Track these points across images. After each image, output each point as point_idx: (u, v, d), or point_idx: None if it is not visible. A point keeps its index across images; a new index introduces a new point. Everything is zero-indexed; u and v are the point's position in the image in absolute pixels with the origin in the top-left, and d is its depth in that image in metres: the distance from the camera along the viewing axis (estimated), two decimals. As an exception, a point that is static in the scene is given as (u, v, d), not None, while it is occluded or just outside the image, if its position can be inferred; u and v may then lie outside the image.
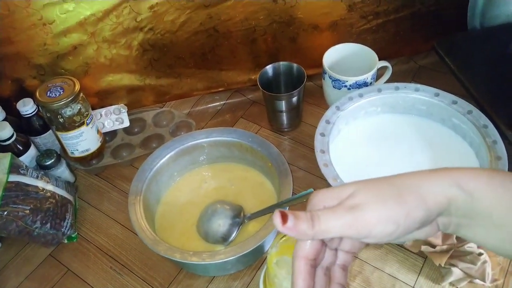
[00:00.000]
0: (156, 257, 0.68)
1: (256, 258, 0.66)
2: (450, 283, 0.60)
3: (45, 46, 0.75)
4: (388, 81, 0.79)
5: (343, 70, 0.76)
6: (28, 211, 0.65)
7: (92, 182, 0.80)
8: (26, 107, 0.74)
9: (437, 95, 0.70)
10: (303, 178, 0.75)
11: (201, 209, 0.68)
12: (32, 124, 0.77)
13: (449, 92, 0.70)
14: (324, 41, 0.84)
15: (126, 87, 0.85)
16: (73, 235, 0.71)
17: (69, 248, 0.71)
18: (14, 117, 0.78)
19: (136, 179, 0.68)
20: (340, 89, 0.76)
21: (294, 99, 0.77)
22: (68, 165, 0.79)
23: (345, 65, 0.79)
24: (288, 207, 0.61)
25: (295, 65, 0.80)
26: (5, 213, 0.63)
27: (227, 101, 0.91)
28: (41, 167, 0.74)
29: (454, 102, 0.68)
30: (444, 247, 0.59)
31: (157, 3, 0.74)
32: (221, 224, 0.65)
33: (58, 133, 0.73)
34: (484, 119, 0.65)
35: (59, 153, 0.77)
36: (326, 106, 0.76)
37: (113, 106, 0.85)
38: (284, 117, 0.81)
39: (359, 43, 0.79)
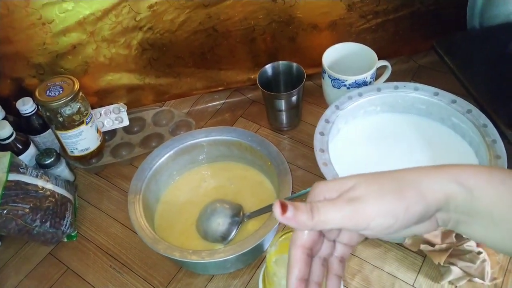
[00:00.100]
0: (155, 256, 0.68)
1: (255, 257, 0.66)
2: (449, 282, 0.60)
3: (44, 46, 0.75)
4: (388, 80, 0.79)
5: (342, 69, 0.76)
6: (27, 210, 0.65)
7: (92, 181, 0.80)
8: (26, 106, 0.74)
9: (436, 94, 0.70)
10: (303, 177, 0.75)
11: (201, 208, 0.68)
12: (31, 123, 0.77)
13: (449, 91, 0.70)
14: (323, 40, 0.84)
15: (125, 86, 0.85)
16: (72, 234, 0.72)
17: (68, 247, 0.71)
18: (13, 116, 0.78)
19: (136, 178, 0.68)
20: (339, 88, 0.76)
21: (294, 98, 0.77)
22: (68, 164, 0.79)
23: (344, 65, 0.79)
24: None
25: (294, 64, 0.80)
26: (5, 211, 0.63)
27: (227, 100, 0.91)
28: (41, 166, 0.74)
29: (454, 101, 0.68)
30: (443, 245, 0.59)
31: (156, 2, 0.74)
32: (220, 223, 0.65)
33: (58, 132, 0.73)
34: (483, 118, 0.65)
35: (58, 152, 0.77)
36: (325, 105, 0.76)
37: (113, 105, 0.85)
38: (284, 116, 0.81)
39: (359, 42, 0.79)
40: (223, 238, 0.65)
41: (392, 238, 0.65)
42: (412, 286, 0.61)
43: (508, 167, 0.60)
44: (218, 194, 0.72)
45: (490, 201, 0.31)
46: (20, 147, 0.74)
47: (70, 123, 0.71)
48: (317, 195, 0.33)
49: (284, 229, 0.67)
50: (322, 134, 0.66)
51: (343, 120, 0.71)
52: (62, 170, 0.76)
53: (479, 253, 0.58)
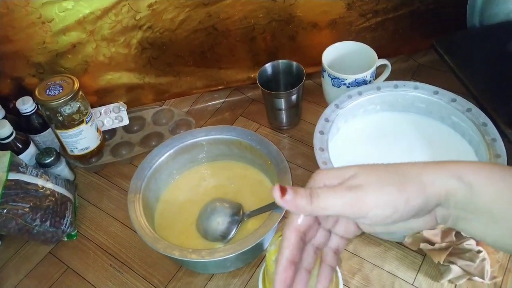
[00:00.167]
0: (155, 255, 0.68)
1: (255, 256, 0.66)
2: (449, 281, 0.60)
3: (44, 45, 0.75)
4: (388, 79, 0.79)
5: (342, 68, 0.76)
6: (27, 209, 0.65)
7: (92, 180, 0.80)
8: (26, 105, 0.74)
9: (436, 93, 0.70)
10: (302, 176, 0.75)
11: (201, 207, 0.68)
12: (31, 122, 0.77)
13: (449, 90, 0.70)
14: (323, 39, 0.84)
15: (125, 85, 0.85)
16: (72, 233, 0.72)
17: (68, 246, 0.71)
18: (13, 116, 0.78)
19: (136, 177, 0.68)
20: (339, 87, 0.76)
21: (293, 97, 0.77)
22: (68, 163, 0.79)
23: (344, 63, 0.79)
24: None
25: (294, 63, 0.80)
26: (5, 211, 0.63)
27: (227, 99, 0.91)
28: (41, 165, 0.74)
29: (453, 100, 0.68)
30: (443, 244, 0.59)
31: (156, 1, 0.74)
32: (220, 222, 0.65)
33: (58, 131, 0.73)
34: (483, 117, 0.65)
35: (58, 151, 0.77)
36: (325, 104, 0.76)
37: (113, 104, 0.85)
38: (283, 115, 0.81)
39: (358, 41, 0.79)
40: (223, 237, 0.65)
41: (392, 236, 0.65)
42: (412, 285, 0.61)
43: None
44: (218, 193, 0.72)
45: (490, 198, 0.31)
46: (20, 146, 0.74)
47: (70, 122, 0.72)
48: (318, 181, 0.33)
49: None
50: (321, 133, 0.66)
51: (343, 119, 0.71)
52: (62, 169, 0.76)
53: (479, 252, 0.58)
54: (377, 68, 0.77)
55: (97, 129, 0.78)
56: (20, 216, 0.64)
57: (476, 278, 0.59)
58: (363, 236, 0.66)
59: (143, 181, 0.67)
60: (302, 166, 0.77)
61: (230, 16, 0.79)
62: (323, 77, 0.79)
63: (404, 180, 0.31)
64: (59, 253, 0.70)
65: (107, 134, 0.84)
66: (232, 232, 0.65)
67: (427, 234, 0.59)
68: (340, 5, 0.81)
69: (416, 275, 0.62)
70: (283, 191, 0.31)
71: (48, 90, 0.69)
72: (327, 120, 0.68)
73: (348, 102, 0.71)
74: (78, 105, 0.71)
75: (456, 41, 0.80)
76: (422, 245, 0.60)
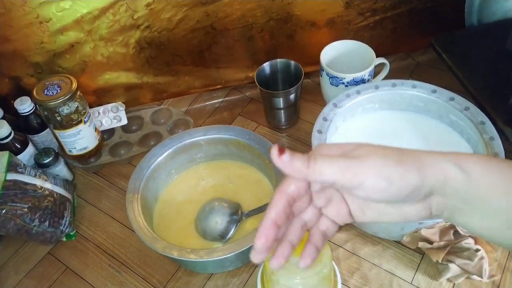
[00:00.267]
0: (154, 255, 0.68)
1: (254, 255, 0.66)
2: (448, 279, 0.61)
3: (42, 44, 0.74)
4: (386, 78, 0.79)
5: (340, 67, 0.76)
6: (26, 209, 0.65)
7: (90, 180, 0.80)
8: (24, 105, 0.74)
9: (434, 91, 0.70)
10: (301, 175, 0.75)
11: (199, 207, 0.68)
12: (29, 122, 0.77)
13: (447, 88, 0.70)
14: (321, 38, 0.84)
15: (123, 85, 0.85)
16: (71, 233, 0.72)
17: (67, 246, 0.71)
18: (11, 116, 0.78)
19: (134, 177, 0.68)
20: (337, 86, 0.76)
21: (292, 96, 0.77)
22: (66, 163, 0.79)
23: (342, 62, 0.79)
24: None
25: (292, 62, 0.80)
26: (3, 211, 0.63)
27: (225, 99, 0.91)
28: (39, 165, 0.74)
29: (452, 99, 0.68)
30: (442, 243, 0.59)
31: (153, 0, 0.74)
32: (219, 221, 0.65)
33: (56, 131, 0.73)
34: (481, 116, 0.65)
35: (57, 151, 0.77)
36: (323, 103, 0.76)
37: (111, 104, 0.85)
38: (282, 115, 0.81)
39: (357, 40, 0.79)
40: (222, 236, 0.65)
41: (390, 235, 0.65)
42: (411, 283, 0.61)
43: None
44: (216, 192, 0.72)
45: (486, 188, 0.31)
46: (19, 146, 0.74)
47: (68, 122, 0.71)
48: (319, 152, 0.33)
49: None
50: (320, 132, 0.66)
51: (341, 118, 0.71)
52: (61, 169, 0.76)
53: (477, 250, 0.58)
54: (376, 66, 0.77)
55: (96, 129, 0.78)
56: (18, 217, 0.64)
57: (475, 277, 0.59)
58: (362, 235, 0.67)
59: (141, 181, 0.67)
60: (300, 165, 0.77)
61: (228, 15, 0.79)
62: (321, 76, 0.79)
63: (403, 157, 0.31)
64: (58, 253, 0.70)
65: (106, 134, 0.84)
66: (231, 232, 0.65)
67: (425, 233, 0.59)
68: (338, 3, 0.81)
69: (415, 274, 0.62)
70: (281, 151, 0.31)
71: (46, 90, 0.69)
72: (325, 119, 0.68)
73: (347, 101, 0.71)
74: (76, 105, 0.71)
75: (455, 39, 0.80)
76: (421, 244, 0.60)
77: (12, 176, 0.65)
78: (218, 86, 0.90)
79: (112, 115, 0.84)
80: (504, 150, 0.60)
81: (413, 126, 0.72)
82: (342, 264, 0.64)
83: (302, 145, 0.81)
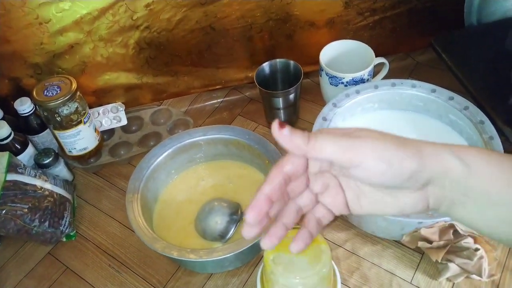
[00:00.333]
0: (154, 255, 0.68)
1: (253, 255, 0.66)
2: (447, 279, 0.61)
3: (41, 45, 0.75)
4: (385, 77, 0.79)
5: (340, 67, 0.76)
6: (26, 210, 0.65)
7: (90, 181, 0.80)
8: (24, 106, 0.74)
9: (433, 91, 0.70)
10: (301, 175, 0.75)
11: (199, 207, 0.69)
12: (29, 123, 0.77)
13: (446, 88, 0.70)
14: (320, 38, 0.84)
15: (123, 86, 0.85)
16: (71, 233, 0.72)
17: (67, 246, 0.71)
18: (11, 116, 0.78)
19: (134, 177, 0.68)
20: (337, 86, 0.76)
21: (291, 96, 0.77)
22: (66, 164, 0.79)
23: (342, 62, 0.79)
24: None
25: (292, 62, 0.80)
26: (3, 212, 0.63)
27: (225, 99, 0.91)
28: (39, 166, 0.74)
29: (451, 98, 0.68)
30: (441, 243, 0.59)
31: (153, 1, 0.74)
32: (218, 221, 0.66)
33: (56, 132, 0.73)
34: (480, 115, 0.65)
35: (57, 151, 0.77)
36: (323, 103, 0.76)
37: (111, 105, 0.85)
38: (281, 114, 0.81)
39: (356, 39, 0.79)
40: (222, 236, 0.65)
41: (389, 235, 0.65)
42: (410, 283, 0.61)
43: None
44: (216, 192, 0.72)
45: (486, 181, 0.31)
46: (19, 147, 0.74)
47: (68, 123, 0.72)
48: (320, 131, 0.33)
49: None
50: (319, 132, 0.66)
51: (340, 118, 0.71)
52: (61, 169, 0.76)
53: (477, 250, 0.58)
54: (375, 66, 0.77)
55: (95, 130, 0.78)
56: (19, 217, 0.64)
57: (474, 276, 0.59)
58: (361, 234, 0.67)
59: (141, 181, 0.67)
60: (300, 165, 0.77)
61: (227, 16, 0.79)
62: (320, 76, 0.79)
63: (404, 143, 0.32)
64: (58, 254, 0.71)
65: (105, 135, 0.84)
66: (231, 232, 0.65)
67: (425, 232, 0.59)
68: (337, 3, 0.81)
69: (414, 273, 0.62)
70: (281, 125, 0.31)
71: (46, 91, 0.69)
72: (325, 119, 0.68)
73: (346, 100, 0.71)
74: (76, 106, 0.71)
75: (454, 39, 0.80)
76: (420, 244, 0.60)
77: (12, 177, 0.65)
78: (217, 86, 0.90)
79: (111, 116, 0.84)
80: (504, 150, 0.60)
81: (413, 125, 0.72)
82: (342, 263, 0.64)
83: (302, 145, 0.80)
